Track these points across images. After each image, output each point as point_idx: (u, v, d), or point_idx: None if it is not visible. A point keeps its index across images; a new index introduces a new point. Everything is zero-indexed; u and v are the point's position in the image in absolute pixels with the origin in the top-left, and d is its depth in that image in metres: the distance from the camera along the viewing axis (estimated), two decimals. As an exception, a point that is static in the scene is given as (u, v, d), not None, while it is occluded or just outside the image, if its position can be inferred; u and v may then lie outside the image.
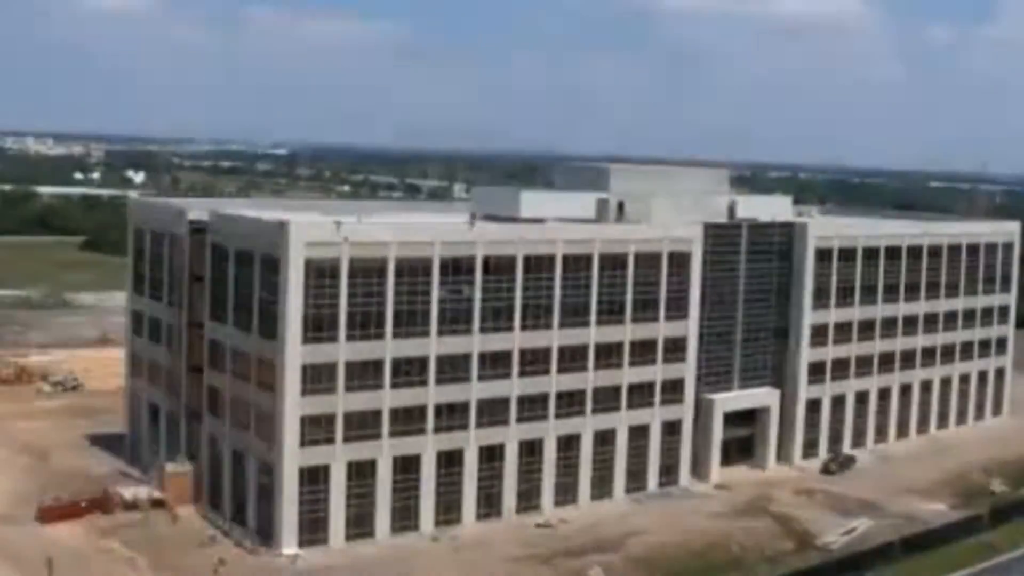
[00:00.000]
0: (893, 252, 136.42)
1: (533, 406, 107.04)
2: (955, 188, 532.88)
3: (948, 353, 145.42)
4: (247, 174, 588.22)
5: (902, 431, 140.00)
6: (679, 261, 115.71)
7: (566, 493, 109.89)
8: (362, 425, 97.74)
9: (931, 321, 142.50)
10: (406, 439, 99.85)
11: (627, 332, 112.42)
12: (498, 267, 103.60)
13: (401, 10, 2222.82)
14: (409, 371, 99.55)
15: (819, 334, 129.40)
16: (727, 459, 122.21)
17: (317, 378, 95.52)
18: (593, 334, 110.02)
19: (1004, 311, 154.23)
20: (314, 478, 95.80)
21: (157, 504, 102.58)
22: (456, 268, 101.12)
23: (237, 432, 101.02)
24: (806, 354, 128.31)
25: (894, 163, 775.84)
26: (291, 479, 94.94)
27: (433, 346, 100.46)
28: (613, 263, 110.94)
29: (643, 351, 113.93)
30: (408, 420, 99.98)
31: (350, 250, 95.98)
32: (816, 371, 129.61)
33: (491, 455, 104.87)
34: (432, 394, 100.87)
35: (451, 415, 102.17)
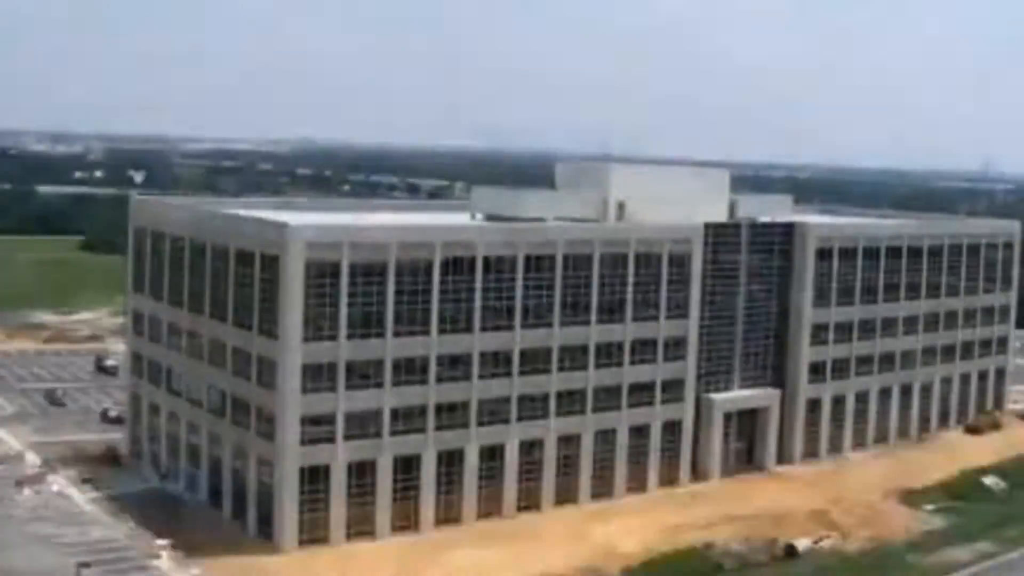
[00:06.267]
0: (893, 252, 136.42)
1: (534, 405, 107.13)
2: (958, 187, 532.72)
3: (948, 353, 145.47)
4: (248, 173, 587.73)
5: (902, 431, 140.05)
6: (679, 261, 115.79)
7: (566, 493, 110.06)
8: (363, 424, 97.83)
9: (931, 321, 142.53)
10: (407, 438, 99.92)
11: (627, 332, 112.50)
12: (498, 267, 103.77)
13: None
14: (410, 370, 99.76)
15: (819, 334, 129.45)
16: (727, 459, 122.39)
17: (317, 377, 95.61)
18: (593, 333, 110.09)
19: (1004, 311, 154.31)
20: (314, 477, 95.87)
21: None
22: (457, 268, 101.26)
23: (238, 431, 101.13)
24: (806, 354, 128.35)
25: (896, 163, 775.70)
26: (291, 478, 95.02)
27: (434, 345, 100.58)
28: (613, 263, 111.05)
29: (643, 351, 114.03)
30: (409, 419, 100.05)
31: (350, 250, 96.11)
32: (816, 371, 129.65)
33: (491, 454, 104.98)
34: (433, 393, 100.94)
35: (452, 414, 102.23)
